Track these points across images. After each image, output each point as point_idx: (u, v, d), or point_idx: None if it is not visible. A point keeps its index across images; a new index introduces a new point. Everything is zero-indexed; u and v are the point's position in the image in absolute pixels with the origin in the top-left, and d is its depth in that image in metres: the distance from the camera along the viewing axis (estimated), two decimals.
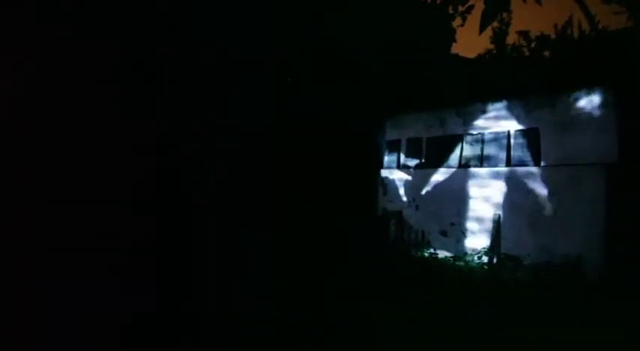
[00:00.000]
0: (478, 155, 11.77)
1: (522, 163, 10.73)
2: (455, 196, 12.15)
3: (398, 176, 14.09)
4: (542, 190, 10.21)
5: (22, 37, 3.33)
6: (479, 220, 11.52)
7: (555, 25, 14.07)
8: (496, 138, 11.40)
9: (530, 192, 10.41)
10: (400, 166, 14.14)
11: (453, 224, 12.12)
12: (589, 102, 9.61)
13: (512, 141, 11.02)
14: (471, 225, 11.72)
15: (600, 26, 11.37)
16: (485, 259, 10.89)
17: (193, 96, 4.10)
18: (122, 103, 3.73)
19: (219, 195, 4.35)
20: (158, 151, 3.85)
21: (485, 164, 11.55)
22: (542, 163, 10.33)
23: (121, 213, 3.61)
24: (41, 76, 3.35)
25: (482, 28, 6.83)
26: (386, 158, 14.53)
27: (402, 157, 14.16)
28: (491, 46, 16.15)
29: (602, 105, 9.37)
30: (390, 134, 14.46)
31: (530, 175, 10.48)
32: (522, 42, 15.39)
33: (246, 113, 4.64)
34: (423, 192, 13.17)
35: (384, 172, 14.38)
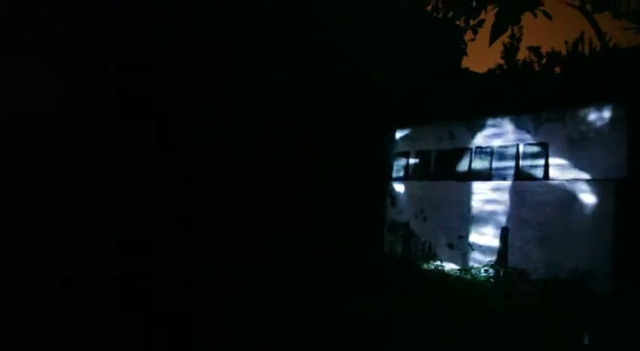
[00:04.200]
0: (487, 168, 11.79)
1: (531, 177, 10.72)
2: (462, 209, 12.16)
3: (406, 188, 14.12)
4: (550, 205, 10.19)
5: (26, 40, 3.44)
6: (486, 233, 11.50)
7: (566, 42, 14.13)
8: (505, 151, 11.42)
9: (539, 206, 10.40)
10: (409, 178, 14.16)
11: (460, 237, 12.10)
12: (599, 117, 9.63)
13: (521, 155, 11.04)
14: (478, 238, 11.69)
15: (612, 43, 11.43)
16: (491, 272, 10.84)
17: (199, 97, 4.22)
18: (125, 104, 3.84)
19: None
20: (160, 152, 3.96)
21: (493, 177, 11.57)
22: (551, 177, 10.32)
23: (128, 213, 3.70)
24: (41, 77, 3.46)
25: (492, 40, 6.92)
26: (395, 170, 14.59)
27: (411, 169, 14.19)
28: (502, 62, 16.22)
29: (613, 120, 9.39)
30: (400, 146, 14.54)
31: (538, 189, 10.48)
32: (533, 58, 15.43)
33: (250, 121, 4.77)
34: (431, 204, 13.18)
35: (393, 184, 14.43)
